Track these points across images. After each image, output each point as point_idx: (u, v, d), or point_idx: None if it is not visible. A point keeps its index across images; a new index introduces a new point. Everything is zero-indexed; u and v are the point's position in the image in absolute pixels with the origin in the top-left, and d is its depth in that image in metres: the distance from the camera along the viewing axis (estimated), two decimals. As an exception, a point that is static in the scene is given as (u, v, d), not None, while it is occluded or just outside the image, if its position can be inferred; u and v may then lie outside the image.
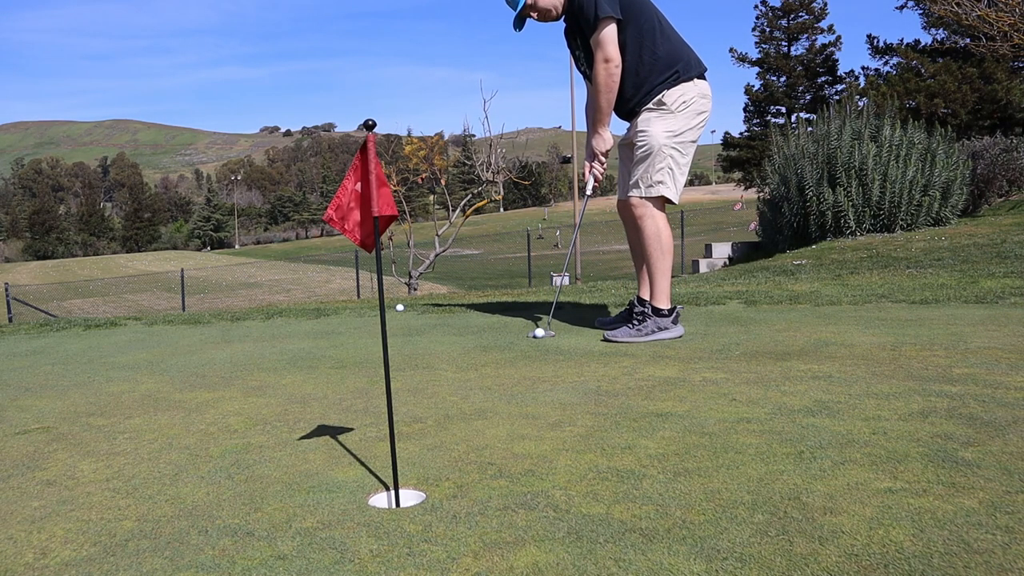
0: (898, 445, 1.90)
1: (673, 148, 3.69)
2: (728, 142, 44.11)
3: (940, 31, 23.37)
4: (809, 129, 10.28)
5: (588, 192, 4.03)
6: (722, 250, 13.07)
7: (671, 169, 3.70)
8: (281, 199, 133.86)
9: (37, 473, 2.06)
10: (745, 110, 43.83)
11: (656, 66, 3.66)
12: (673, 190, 3.72)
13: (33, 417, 2.69)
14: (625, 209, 3.85)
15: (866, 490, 1.63)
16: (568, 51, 3.98)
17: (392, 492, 1.74)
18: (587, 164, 3.93)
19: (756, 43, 42.93)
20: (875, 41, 25.78)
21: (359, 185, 1.86)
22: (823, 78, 42.28)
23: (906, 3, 23.61)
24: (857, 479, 1.69)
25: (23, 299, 21.28)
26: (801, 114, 37.34)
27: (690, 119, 3.70)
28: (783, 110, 42.53)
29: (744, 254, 11.86)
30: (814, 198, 9.68)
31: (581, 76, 3.99)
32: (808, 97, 42.18)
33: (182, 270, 23.06)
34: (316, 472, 1.93)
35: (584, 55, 3.80)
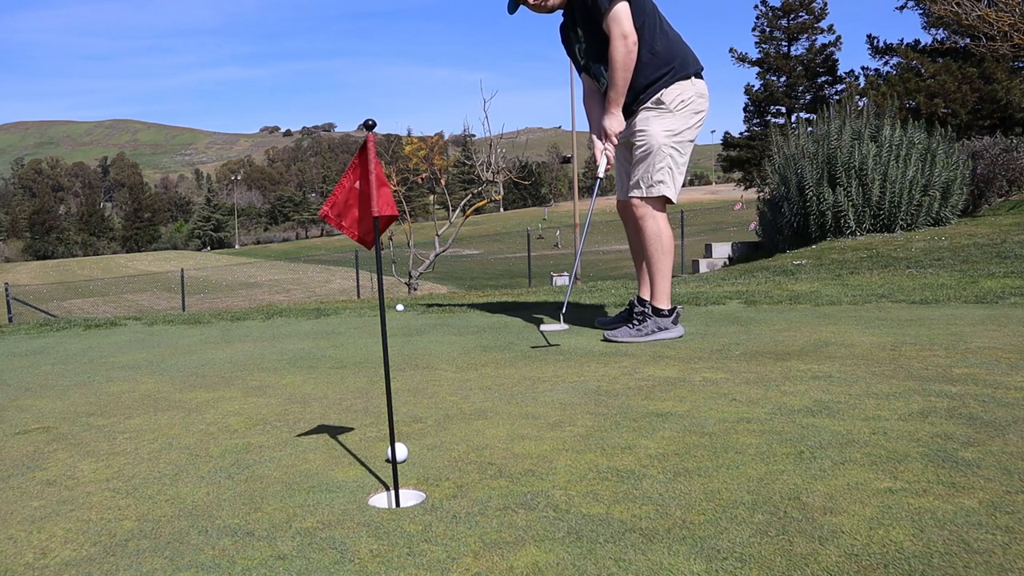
0: (898, 445, 1.90)
1: (672, 148, 3.69)
2: (728, 142, 44.08)
3: (940, 31, 23.36)
4: (809, 129, 10.28)
5: (601, 175, 3.88)
6: (722, 250, 13.07)
7: (671, 168, 3.69)
8: (281, 199, 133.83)
9: (37, 473, 2.06)
10: (745, 110, 43.81)
11: (653, 62, 3.65)
12: (672, 189, 3.72)
13: (33, 417, 2.69)
14: (625, 209, 3.85)
15: (866, 490, 1.63)
16: (569, 50, 3.95)
17: (392, 492, 1.74)
18: (599, 144, 3.78)
19: (756, 43, 42.92)
20: (875, 41, 25.77)
21: (358, 183, 1.86)
22: (823, 78, 42.27)
23: (906, 3, 23.61)
24: (857, 479, 1.69)
25: (23, 299, 21.28)
26: (801, 114, 37.31)
27: (688, 118, 3.70)
28: (783, 110, 42.52)
29: (744, 254, 11.87)
30: (814, 198, 9.68)
31: (577, 72, 3.96)
32: (808, 97, 42.16)
33: (182, 270, 23.07)
34: (316, 472, 1.93)
35: (587, 46, 3.77)
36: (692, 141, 3.77)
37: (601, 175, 3.89)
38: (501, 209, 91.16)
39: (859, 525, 1.46)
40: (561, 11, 3.85)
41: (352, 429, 2.31)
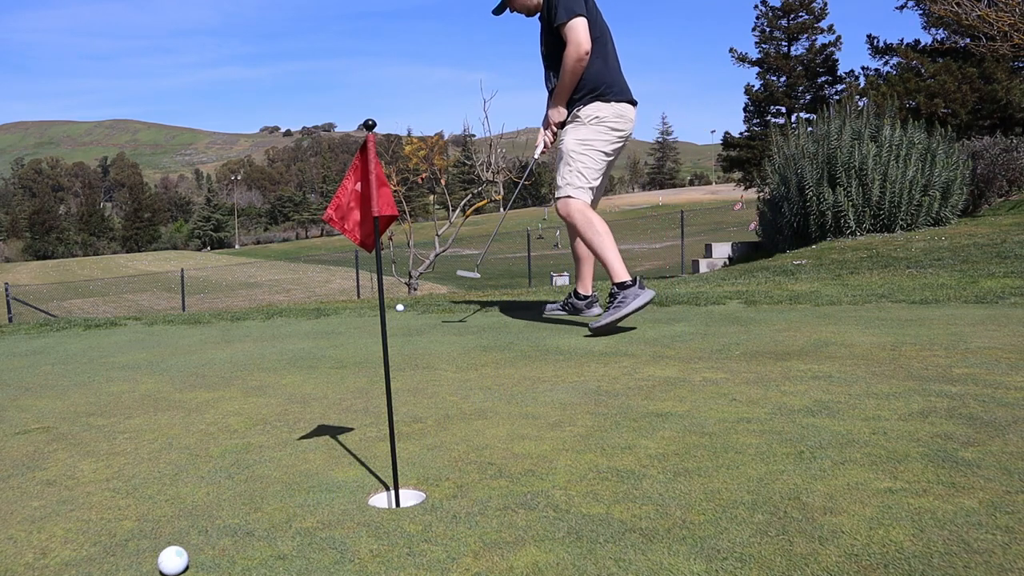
0: (898, 445, 1.90)
1: (582, 154, 4.06)
2: (728, 142, 44.06)
3: (940, 31, 23.36)
4: (809, 129, 10.28)
5: (536, 156, 4.43)
6: (722, 250, 13.07)
7: (580, 173, 4.06)
8: (281, 199, 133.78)
9: (37, 473, 2.06)
10: (745, 110, 43.79)
11: (582, 85, 4.04)
12: (584, 191, 4.06)
13: (33, 417, 2.69)
14: (558, 211, 4.24)
15: (866, 490, 1.63)
16: (542, 50, 4.28)
17: (392, 492, 1.74)
18: (540, 131, 4.31)
19: (756, 43, 42.90)
20: (875, 41, 25.76)
21: (359, 185, 1.86)
22: (823, 78, 42.24)
23: (906, 3, 23.61)
24: (857, 479, 1.69)
25: (23, 299, 21.28)
26: (801, 114, 37.28)
27: (601, 132, 4.08)
28: (783, 110, 42.49)
29: (744, 254, 11.87)
30: (814, 198, 9.68)
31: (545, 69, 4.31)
32: (808, 97, 42.13)
33: (182, 270, 23.08)
34: (316, 472, 1.93)
35: (547, 52, 4.17)
36: (607, 155, 4.14)
37: (536, 156, 4.45)
38: (501, 209, 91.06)
39: (859, 525, 1.46)
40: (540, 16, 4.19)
41: (352, 429, 2.30)
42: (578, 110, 4.08)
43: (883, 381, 2.56)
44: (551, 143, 4.31)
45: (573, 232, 4.22)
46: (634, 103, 4.16)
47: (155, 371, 3.45)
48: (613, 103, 4.08)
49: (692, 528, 1.49)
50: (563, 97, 4.10)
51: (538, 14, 4.16)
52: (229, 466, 2.02)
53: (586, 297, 4.46)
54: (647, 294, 3.84)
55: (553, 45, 4.07)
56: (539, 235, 49.97)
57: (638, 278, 3.91)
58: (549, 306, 4.64)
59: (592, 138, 4.07)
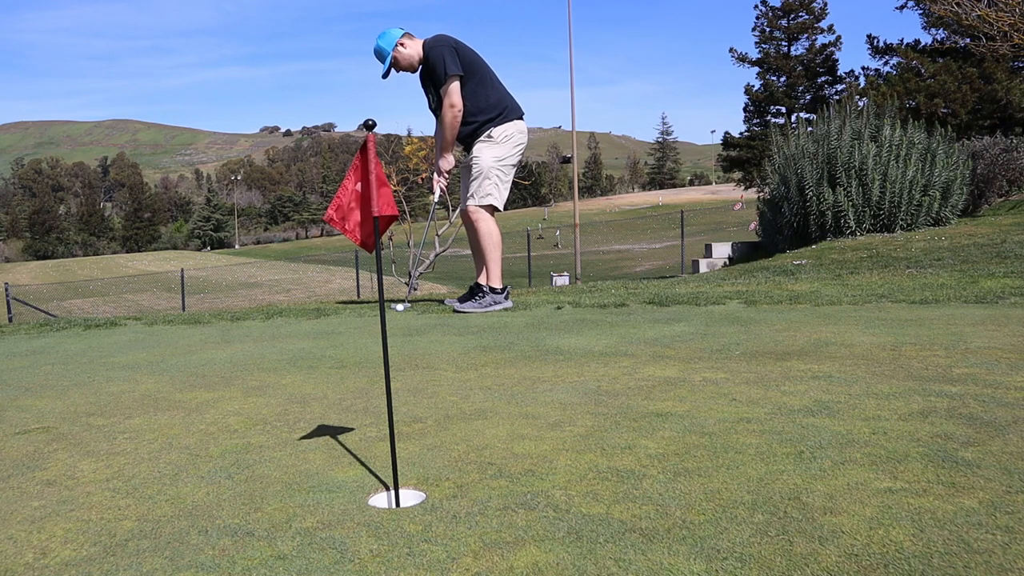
0: (898, 445, 1.90)
1: (499, 170, 4.88)
2: (728, 142, 44.01)
3: (940, 31, 23.34)
4: (809, 129, 10.28)
5: (435, 200, 5.23)
6: (722, 250, 13.07)
7: (497, 184, 4.88)
8: (281, 199, 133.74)
9: (37, 473, 2.06)
10: (745, 110, 43.72)
11: (487, 107, 4.83)
12: (499, 200, 4.91)
13: (33, 417, 2.69)
14: (465, 215, 4.96)
15: (866, 490, 1.63)
16: (426, 95, 5.03)
17: (392, 492, 1.74)
18: (435, 178, 5.07)
19: (756, 43, 42.82)
20: (875, 41, 25.74)
21: (359, 185, 1.86)
22: (823, 78, 42.19)
23: (906, 3, 23.59)
24: (857, 479, 1.69)
25: (23, 299, 21.28)
26: (801, 114, 37.22)
27: (510, 148, 4.92)
28: (783, 110, 42.44)
29: (744, 254, 11.87)
30: (814, 198, 9.68)
31: (432, 113, 5.05)
32: (808, 97, 42.07)
33: (182, 270, 23.09)
34: (316, 472, 1.93)
35: (435, 99, 4.91)
36: (514, 165, 4.98)
37: (436, 200, 5.27)
38: (501, 209, 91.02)
39: (859, 525, 1.46)
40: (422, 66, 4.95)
41: (352, 429, 2.31)
42: (490, 131, 4.83)
43: (883, 381, 2.56)
44: (445, 187, 5.12)
45: (474, 234, 4.92)
46: (523, 116, 5.00)
47: (155, 371, 3.45)
48: (515, 121, 4.91)
49: (692, 528, 1.49)
50: (449, 148, 4.92)
51: (420, 68, 4.87)
52: (229, 466, 2.02)
53: (503, 289, 5.03)
54: (508, 304, 4.91)
55: (438, 94, 4.82)
56: (539, 235, 49.95)
57: (508, 289, 4.98)
58: (458, 305, 5.00)
59: (505, 155, 4.89)
